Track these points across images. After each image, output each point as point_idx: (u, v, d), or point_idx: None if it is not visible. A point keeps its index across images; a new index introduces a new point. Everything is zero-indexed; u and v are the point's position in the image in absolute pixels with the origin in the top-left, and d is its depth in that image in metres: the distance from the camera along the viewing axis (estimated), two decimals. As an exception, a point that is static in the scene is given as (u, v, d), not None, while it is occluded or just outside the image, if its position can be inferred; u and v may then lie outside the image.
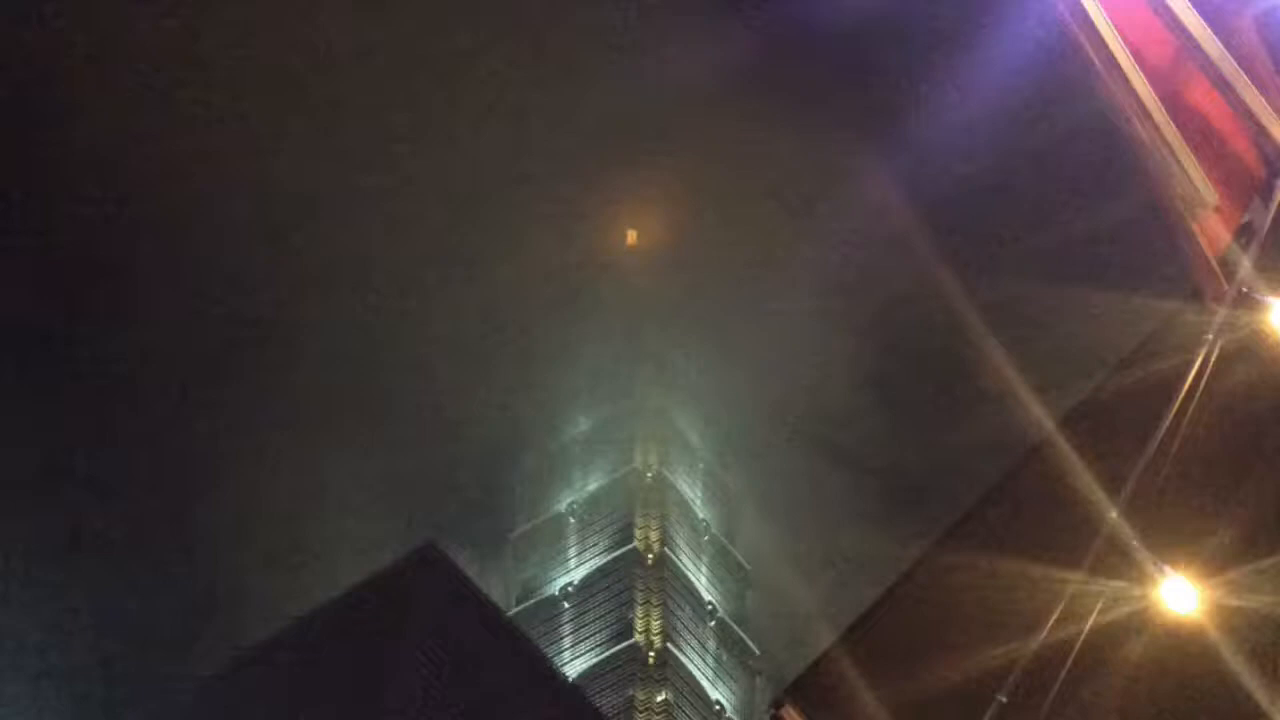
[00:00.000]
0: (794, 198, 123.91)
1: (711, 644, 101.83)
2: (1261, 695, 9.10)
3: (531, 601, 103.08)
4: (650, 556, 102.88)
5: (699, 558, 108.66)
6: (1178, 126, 10.47)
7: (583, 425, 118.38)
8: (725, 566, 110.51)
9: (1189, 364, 8.84)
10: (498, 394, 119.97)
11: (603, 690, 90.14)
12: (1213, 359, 8.79)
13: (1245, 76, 10.42)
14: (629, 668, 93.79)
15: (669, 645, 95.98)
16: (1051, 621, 8.59)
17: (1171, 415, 8.60)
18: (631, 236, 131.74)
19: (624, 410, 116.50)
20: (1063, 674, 8.50)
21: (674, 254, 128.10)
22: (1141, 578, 9.11)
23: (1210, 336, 8.88)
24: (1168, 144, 10.28)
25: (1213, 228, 10.27)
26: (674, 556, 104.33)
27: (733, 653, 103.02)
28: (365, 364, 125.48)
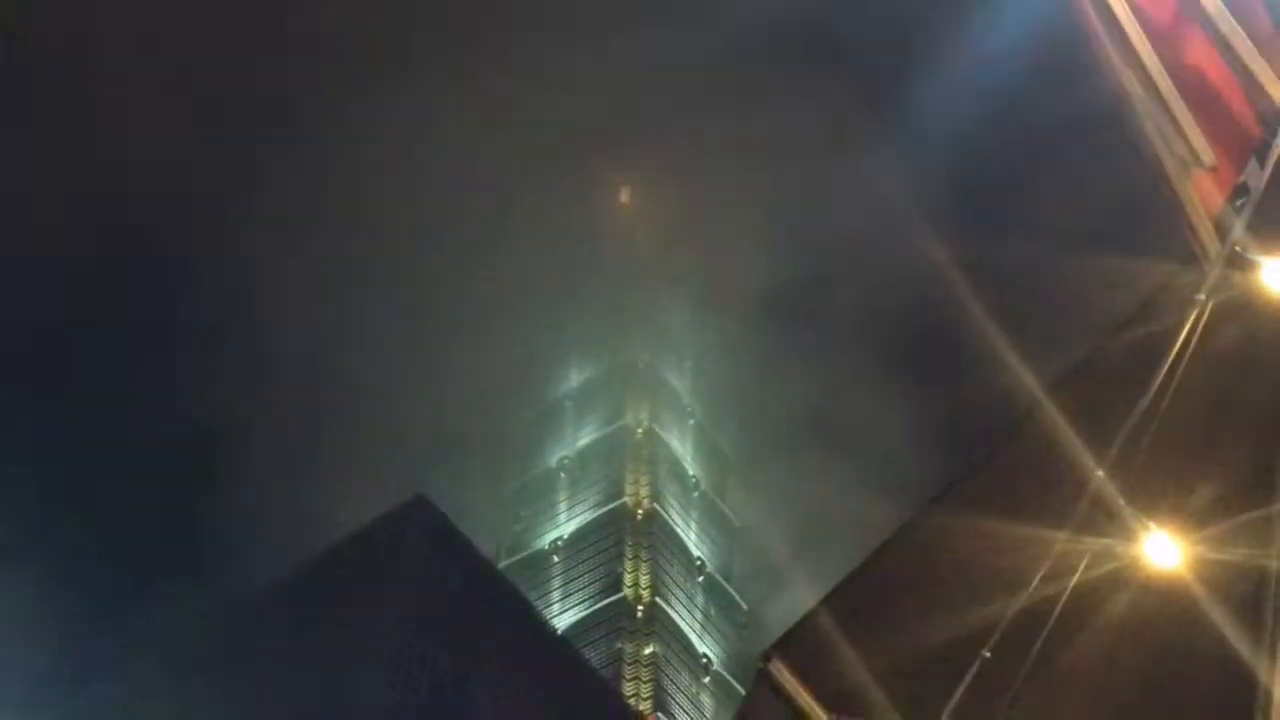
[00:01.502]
0: (792, 166, 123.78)
1: (700, 599, 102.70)
2: (1243, 645, 9.28)
3: (522, 555, 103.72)
4: (640, 512, 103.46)
5: (688, 514, 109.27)
6: (1176, 87, 10.43)
7: (574, 381, 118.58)
8: (714, 523, 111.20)
9: (1181, 325, 8.89)
10: (490, 352, 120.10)
11: (591, 643, 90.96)
12: (1204, 319, 8.83)
13: (1244, 36, 10.38)
14: (617, 621, 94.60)
15: (657, 599, 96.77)
16: (1037, 579, 8.68)
17: (1161, 375, 8.65)
18: (625, 195, 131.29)
19: (615, 367, 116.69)
20: (1047, 629, 8.61)
21: (668, 213, 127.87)
22: (1126, 535, 9.21)
23: (1202, 297, 8.91)
24: (1166, 104, 10.25)
25: (1209, 189, 10.27)
26: (663, 512, 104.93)
27: (721, 607, 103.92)
28: (358, 327, 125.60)
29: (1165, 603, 9.32)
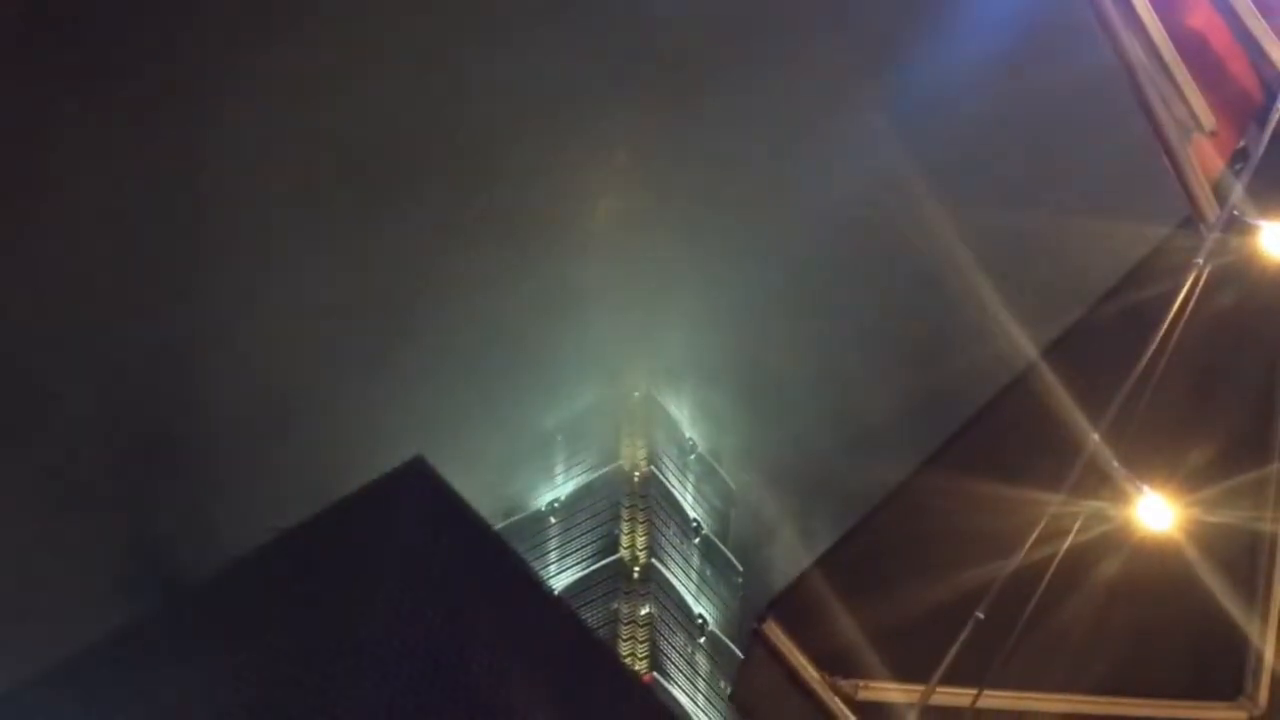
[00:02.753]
0: (786, 133, 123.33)
1: (696, 560, 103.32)
2: (1235, 607, 9.38)
3: (519, 516, 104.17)
4: (637, 475, 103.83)
5: (685, 476, 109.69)
6: (1178, 50, 10.35)
7: (571, 342, 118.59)
8: (711, 485, 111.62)
9: (1178, 289, 8.89)
10: (486, 314, 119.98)
11: (588, 603, 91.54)
12: (1201, 283, 8.83)
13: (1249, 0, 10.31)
14: (613, 582, 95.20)
15: (654, 561, 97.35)
16: (1030, 542, 8.73)
17: (1158, 339, 8.66)
18: (621, 154, 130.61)
19: (613, 328, 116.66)
20: (1039, 591, 8.67)
21: (665, 173, 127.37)
22: (1119, 497, 9.26)
23: (1199, 261, 8.91)
24: (1166, 68, 10.18)
25: (1208, 153, 10.21)
26: (660, 475, 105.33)
27: (716, 569, 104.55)
28: (353, 289, 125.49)
29: (1158, 565, 9.40)
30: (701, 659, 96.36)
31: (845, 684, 9.00)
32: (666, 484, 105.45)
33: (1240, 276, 9.25)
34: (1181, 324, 8.61)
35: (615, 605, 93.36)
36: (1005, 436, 9.64)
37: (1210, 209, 9.68)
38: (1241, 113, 10.16)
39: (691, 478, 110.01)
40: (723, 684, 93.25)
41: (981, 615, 8.64)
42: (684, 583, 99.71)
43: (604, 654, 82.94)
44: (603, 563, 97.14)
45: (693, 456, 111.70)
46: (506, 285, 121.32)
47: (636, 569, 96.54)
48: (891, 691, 9.02)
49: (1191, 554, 9.39)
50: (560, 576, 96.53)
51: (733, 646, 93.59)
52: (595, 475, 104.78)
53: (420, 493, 70.05)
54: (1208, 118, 9.82)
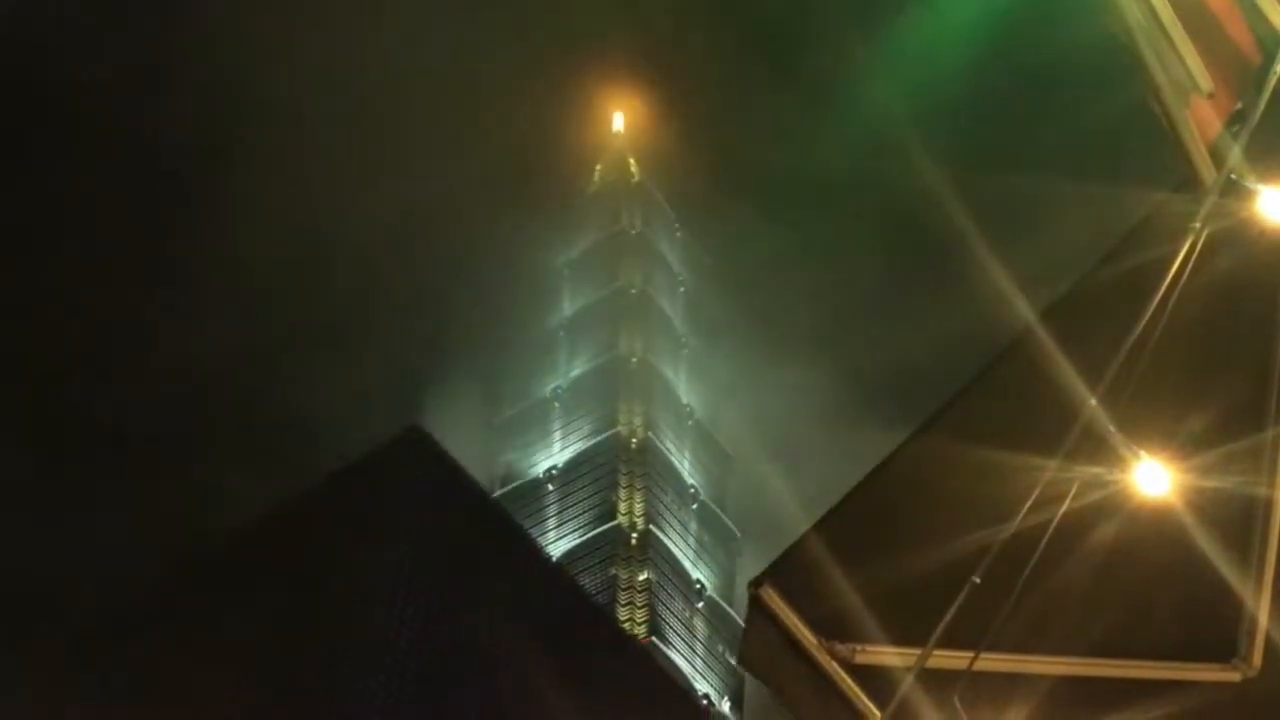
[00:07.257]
0: (783, 91, 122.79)
1: (694, 526, 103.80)
2: (1230, 571, 9.42)
3: (516, 484, 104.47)
4: (634, 441, 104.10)
5: (682, 442, 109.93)
6: (1176, 12, 10.26)
7: (567, 310, 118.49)
8: (708, 451, 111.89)
9: (1174, 253, 8.85)
10: (480, 281, 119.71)
11: (586, 570, 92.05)
12: (1198, 248, 8.79)
13: (1246, -40, 10.21)
14: (612, 548, 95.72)
15: (651, 527, 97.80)
16: (1027, 507, 8.72)
17: (1154, 304, 8.63)
18: (618, 122, 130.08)
19: (609, 295, 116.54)
20: (1036, 556, 8.68)
21: (662, 138, 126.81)
22: (1116, 463, 9.25)
23: (1197, 225, 8.86)
24: (1163, 28, 10.10)
25: (1205, 116, 10.15)
26: (657, 441, 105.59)
27: (714, 535, 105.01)
28: (351, 257, 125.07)
29: (1154, 530, 9.42)
30: (700, 624, 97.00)
31: (842, 648, 8.99)
32: (664, 450, 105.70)
33: (1238, 240, 9.21)
34: (1178, 288, 8.58)
35: (613, 571, 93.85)
36: (1001, 402, 9.60)
37: (1207, 172, 9.63)
38: (1239, 75, 10.08)
39: (688, 444, 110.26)
40: (721, 648, 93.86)
41: (978, 579, 8.63)
42: (682, 548, 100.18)
43: (603, 619, 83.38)
44: (600, 529, 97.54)
45: (690, 423, 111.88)
46: (501, 252, 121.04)
47: (634, 535, 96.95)
48: (888, 655, 9.02)
49: (1187, 519, 9.40)
50: (558, 543, 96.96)
51: (731, 611, 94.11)
52: (592, 442, 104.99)
53: (418, 461, 70.23)
54: (1205, 79, 9.74)
